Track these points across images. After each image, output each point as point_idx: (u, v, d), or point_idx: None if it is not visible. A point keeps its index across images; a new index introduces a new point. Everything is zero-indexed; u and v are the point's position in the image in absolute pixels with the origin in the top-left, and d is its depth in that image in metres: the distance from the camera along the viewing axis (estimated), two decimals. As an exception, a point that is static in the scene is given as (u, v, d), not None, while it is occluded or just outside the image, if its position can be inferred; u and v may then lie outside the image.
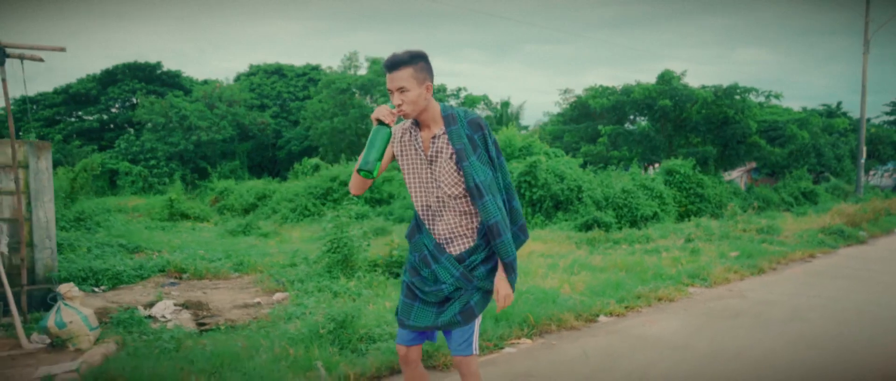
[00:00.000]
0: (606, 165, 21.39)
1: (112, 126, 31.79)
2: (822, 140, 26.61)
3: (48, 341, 4.47)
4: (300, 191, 16.98)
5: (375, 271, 7.12)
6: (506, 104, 31.70)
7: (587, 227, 12.68)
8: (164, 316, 5.74)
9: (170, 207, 16.22)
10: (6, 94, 4.56)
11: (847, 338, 5.20)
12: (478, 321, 2.75)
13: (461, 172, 2.58)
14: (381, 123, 2.46)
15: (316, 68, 34.69)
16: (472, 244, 2.66)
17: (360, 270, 7.05)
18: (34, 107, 31.83)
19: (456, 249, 2.66)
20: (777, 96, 20.08)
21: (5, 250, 5.61)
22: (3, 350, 4.42)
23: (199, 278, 7.68)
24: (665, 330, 5.38)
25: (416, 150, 2.65)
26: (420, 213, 2.73)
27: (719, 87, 20.37)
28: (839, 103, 33.41)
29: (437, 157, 2.61)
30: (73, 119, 31.76)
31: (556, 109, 29.99)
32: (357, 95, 28.49)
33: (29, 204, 6.67)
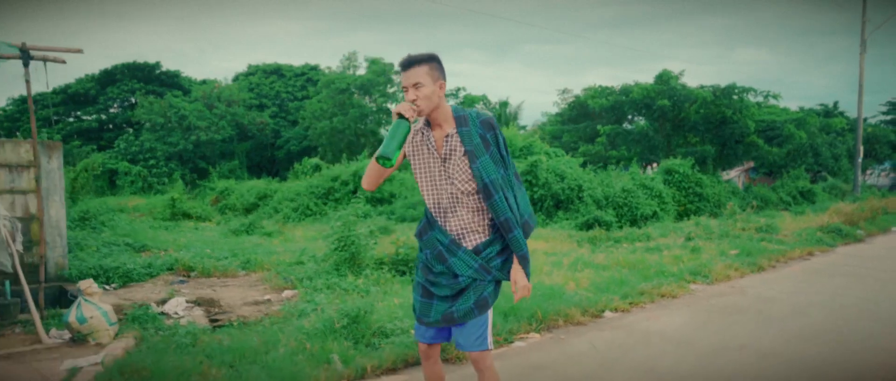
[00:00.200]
0: (605, 164, 21.53)
1: (111, 126, 31.80)
2: (819, 140, 26.78)
3: (68, 336, 4.57)
4: (302, 191, 17.07)
5: (382, 268, 7.23)
6: (504, 104, 31.82)
7: (588, 226, 12.81)
8: (176, 313, 5.83)
9: (172, 206, 16.28)
10: (30, 94, 4.66)
11: (846, 334, 5.32)
12: (490, 316, 2.83)
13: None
14: (401, 117, 2.54)
15: (315, 68, 34.75)
16: (485, 238, 2.75)
17: (368, 267, 7.16)
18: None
19: (469, 243, 2.75)
20: (775, 96, 20.26)
21: (21, 248, 5.70)
22: (23, 345, 4.52)
23: (208, 276, 7.77)
24: (669, 325, 5.50)
25: (428, 149, 2.74)
26: (432, 210, 2.80)
27: (717, 87, 20.53)
28: (836, 103, 33.62)
29: (450, 155, 2.69)
30: (71, 119, 31.78)
31: (555, 110, 30.15)
32: (356, 95, 28.57)
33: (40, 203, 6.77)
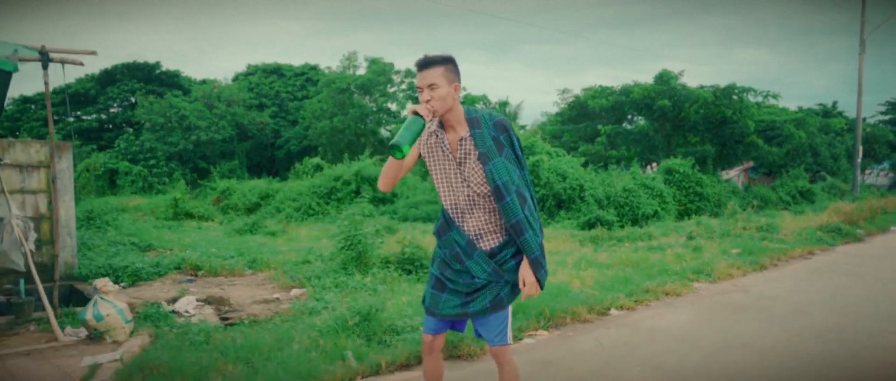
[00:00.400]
0: (606, 164, 21.63)
1: (111, 126, 31.85)
2: (818, 140, 26.91)
3: (85, 334, 4.64)
4: (304, 190, 17.14)
5: (388, 267, 7.30)
6: (504, 104, 31.91)
7: (590, 225, 12.90)
8: (187, 311, 5.90)
9: (174, 206, 16.34)
10: (48, 96, 4.74)
11: (848, 331, 5.40)
12: (510, 312, 2.87)
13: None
14: (417, 114, 2.57)
15: (314, 68, 34.82)
16: (502, 240, 2.77)
17: (374, 266, 7.23)
18: (32, 107, 31.90)
19: (487, 244, 2.78)
20: (775, 96, 20.38)
21: (33, 247, 5.77)
22: (39, 343, 4.58)
23: (215, 275, 7.83)
24: (674, 323, 5.58)
25: (443, 151, 2.76)
26: (449, 211, 2.82)
27: (717, 87, 20.63)
28: (835, 103, 33.78)
29: (466, 158, 2.71)
30: (71, 119, 31.81)
31: (554, 109, 30.26)
32: (356, 95, 28.64)
33: (50, 203, 6.84)
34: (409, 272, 7.21)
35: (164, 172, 26.60)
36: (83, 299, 6.44)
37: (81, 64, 4.72)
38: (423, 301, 2.94)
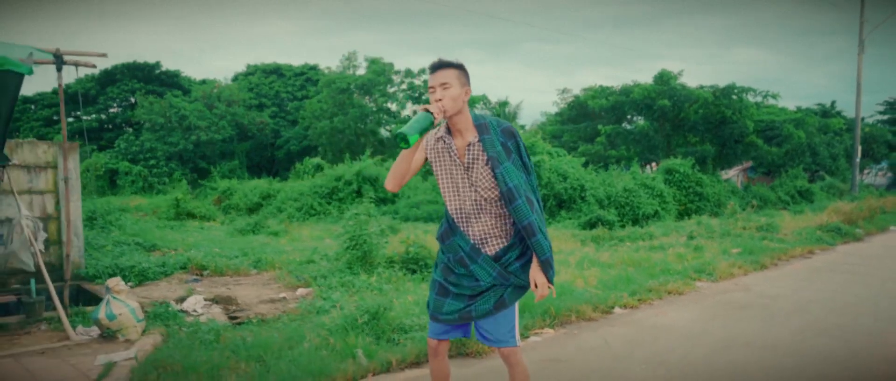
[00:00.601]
0: (606, 164, 21.72)
1: (110, 126, 31.87)
2: (817, 139, 27.02)
3: (97, 333, 4.70)
4: (305, 190, 17.19)
5: (393, 267, 7.36)
6: (504, 104, 31.96)
7: (591, 225, 12.97)
8: (195, 310, 5.95)
9: (176, 206, 16.39)
10: (62, 98, 4.80)
11: (848, 329, 5.48)
12: (517, 313, 2.91)
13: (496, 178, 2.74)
14: (427, 111, 2.62)
15: (314, 68, 34.85)
16: (506, 243, 2.81)
17: (379, 266, 7.29)
18: (32, 107, 31.93)
19: (491, 249, 2.81)
20: (774, 96, 20.47)
21: (42, 247, 5.83)
22: (52, 342, 4.64)
23: (221, 275, 7.88)
24: (678, 321, 5.66)
25: (450, 156, 2.79)
26: (454, 216, 2.84)
27: (717, 87, 20.72)
28: (834, 103, 33.90)
29: (473, 164, 2.75)
30: (71, 119, 31.82)
31: (554, 109, 30.34)
32: (356, 94, 28.69)
33: (57, 203, 6.90)
34: (414, 272, 7.27)
35: (164, 173, 26.63)
36: (91, 299, 6.49)
37: (94, 66, 4.79)
38: (428, 307, 2.97)
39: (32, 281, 5.44)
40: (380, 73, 28.42)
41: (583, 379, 4.13)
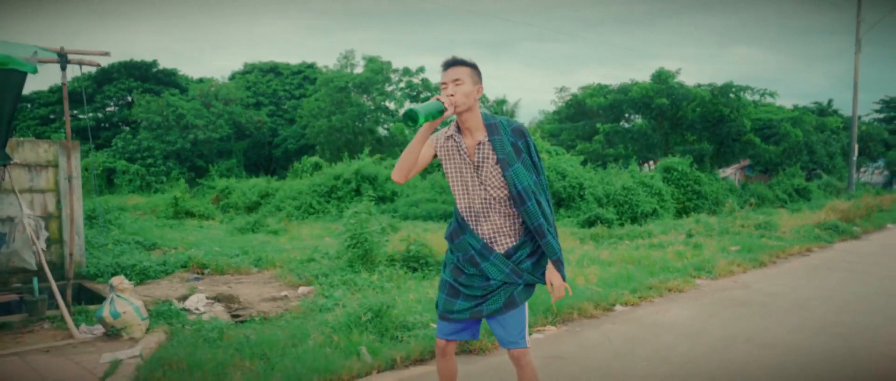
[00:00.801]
0: (604, 163, 21.77)
1: (107, 125, 31.80)
2: (814, 138, 27.11)
3: (101, 331, 4.71)
4: (304, 189, 17.20)
5: (394, 265, 7.38)
6: (502, 102, 32.02)
7: (590, 223, 13.01)
8: (197, 309, 5.97)
9: (175, 205, 16.39)
10: (66, 96, 4.81)
11: (846, 327, 5.51)
12: (527, 314, 2.92)
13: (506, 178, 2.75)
14: (439, 101, 2.63)
15: (311, 66, 34.82)
16: (516, 242, 2.82)
17: (380, 264, 7.31)
18: (29, 106, 31.84)
19: (501, 247, 2.82)
20: (772, 95, 20.54)
21: (44, 246, 5.83)
22: (56, 340, 4.65)
23: (222, 274, 7.90)
24: (678, 318, 5.69)
25: (460, 155, 2.80)
26: (464, 215, 2.85)
27: (714, 85, 20.78)
28: (831, 101, 34.01)
29: (483, 163, 2.76)
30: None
31: (552, 108, 30.37)
32: (354, 93, 28.68)
33: (58, 202, 6.91)
34: (415, 270, 7.29)
35: (162, 171, 26.60)
36: (92, 297, 6.50)
37: (98, 65, 4.80)
38: (437, 307, 2.98)
39: (35, 280, 5.45)
40: (378, 71, 28.41)
41: (585, 376, 4.16)
